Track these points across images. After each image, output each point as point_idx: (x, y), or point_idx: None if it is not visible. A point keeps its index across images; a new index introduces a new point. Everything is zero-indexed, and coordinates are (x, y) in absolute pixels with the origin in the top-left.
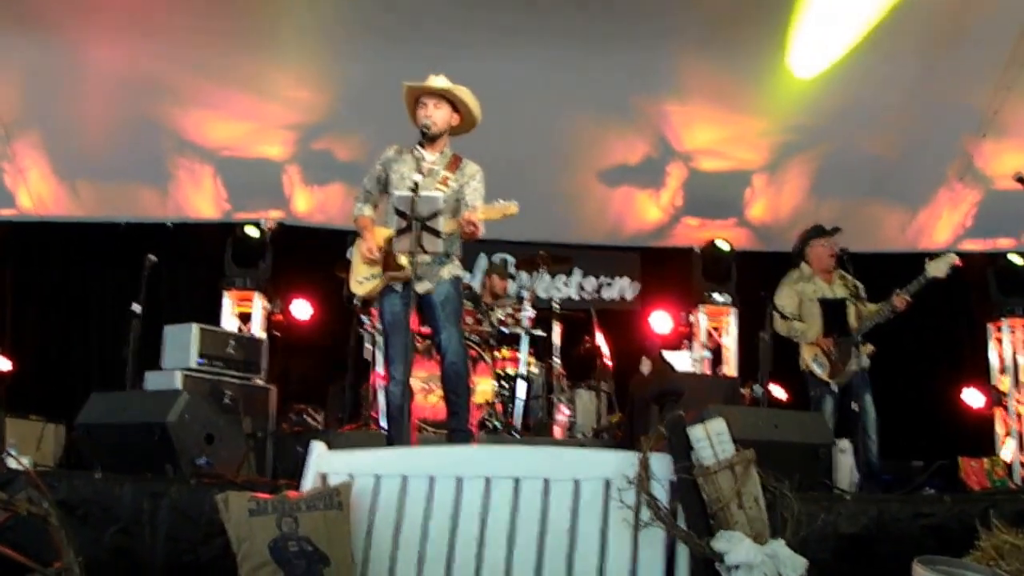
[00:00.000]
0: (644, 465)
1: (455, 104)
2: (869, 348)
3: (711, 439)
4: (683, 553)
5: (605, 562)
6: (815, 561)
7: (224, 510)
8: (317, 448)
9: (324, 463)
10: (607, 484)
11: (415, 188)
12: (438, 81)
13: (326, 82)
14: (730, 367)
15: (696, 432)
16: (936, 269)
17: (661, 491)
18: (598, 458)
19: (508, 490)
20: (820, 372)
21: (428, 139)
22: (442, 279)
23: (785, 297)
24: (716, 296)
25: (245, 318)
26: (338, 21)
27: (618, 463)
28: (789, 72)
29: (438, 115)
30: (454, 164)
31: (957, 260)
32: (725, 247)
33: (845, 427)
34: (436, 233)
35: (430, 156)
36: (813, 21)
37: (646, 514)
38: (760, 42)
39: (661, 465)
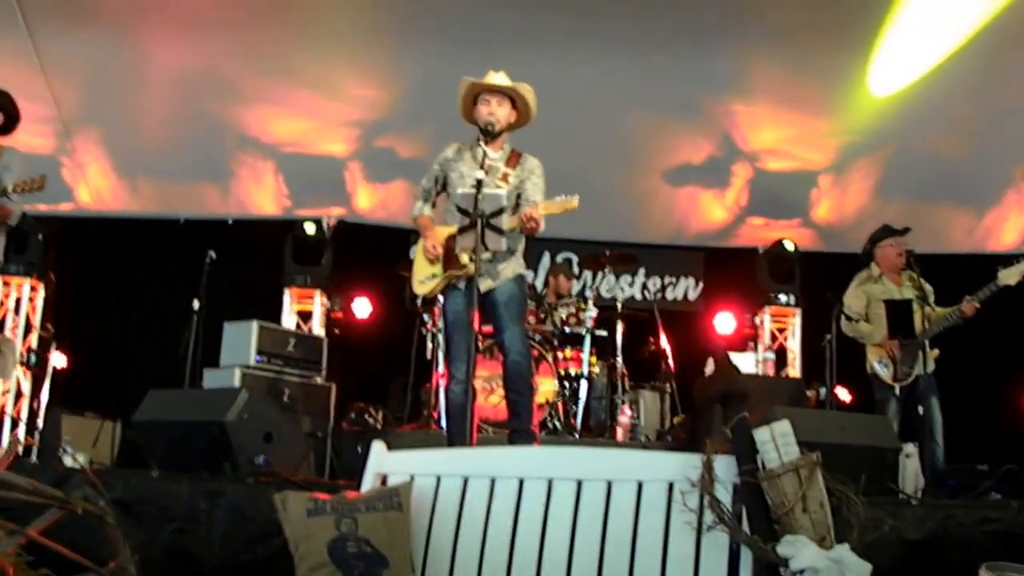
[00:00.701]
0: (708, 467)
1: (514, 101)
2: (934, 352)
3: (776, 441)
4: (746, 557)
5: (667, 565)
6: (880, 567)
7: (282, 510)
8: (377, 448)
9: (384, 463)
10: (670, 487)
11: (478, 185)
12: (499, 78)
13: (388, 80)
14: (795, 369)
15: (761, 434)
16: (1008, 277)
17: (724, 494)
18: (661, 460)
19: (570, 492)
20: (884, 374)
21: (490, 136)
22: (506, 277)
23: (853, 297)
24: (781, 297)
25: (305, 316)
26: (400, 19)
27: (681, 465)
28: (863, 84)
29: (501, 112)
30: (514, 160)
31: None
32: (791, 247)
33: (910, 431)
34: (499, 231)
35: (492, 153)
36: (899, 40)
37: (709, 517)
38: (836, 49)
39: (725, 467)
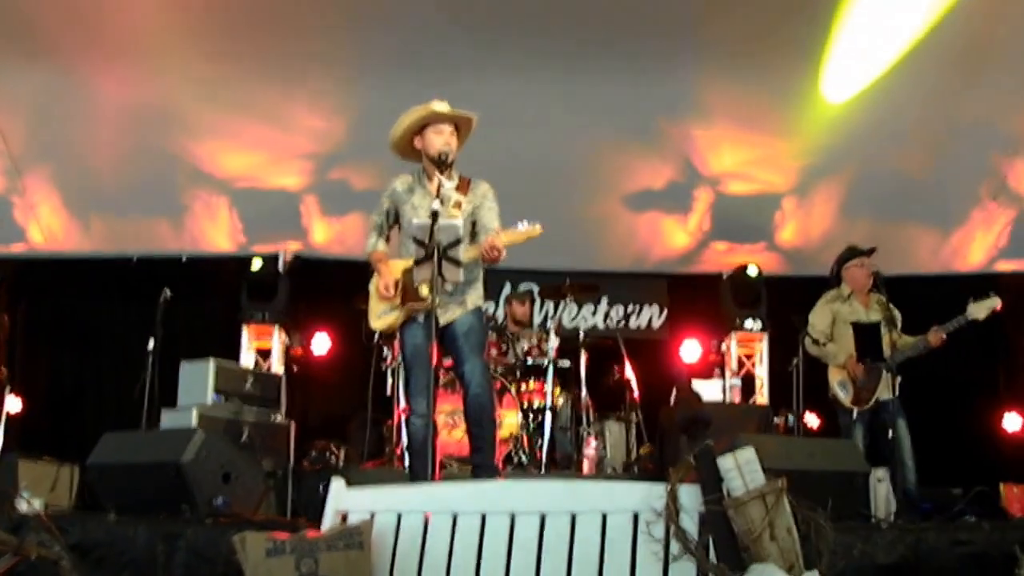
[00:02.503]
0: (672, 497)
1: (458, 129)
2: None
3: (740, 469)
4: None
5: None
6: None
7: (241, 551)
8: (336, 486)
9: (344, 501)
10: (635, 517)
11: (434, 216)
12: (443, 107)
13: (340, 110)
14: (763, 395)
15: (725, 462)
16: (977, 311)
17: (690, 523)
18: (625, 491)
19: (534, 526)
20: (843, 397)
21: (445, 165)
22: (465, 309)
23: (818, 316)
24: (747, 323)
25: (264, 353)
26: (348, 49)
27: (645, 495)
28: (818, 95)
29: (453, 140)
30: (464, 186)
31: (999, 305)
32: (754, 272)
33: (879, 455)
34: (456, 262)
35: (448, 183)
36: (848, 46)
37: (675, 547)
38: (789, 64)
39: (690, 496)
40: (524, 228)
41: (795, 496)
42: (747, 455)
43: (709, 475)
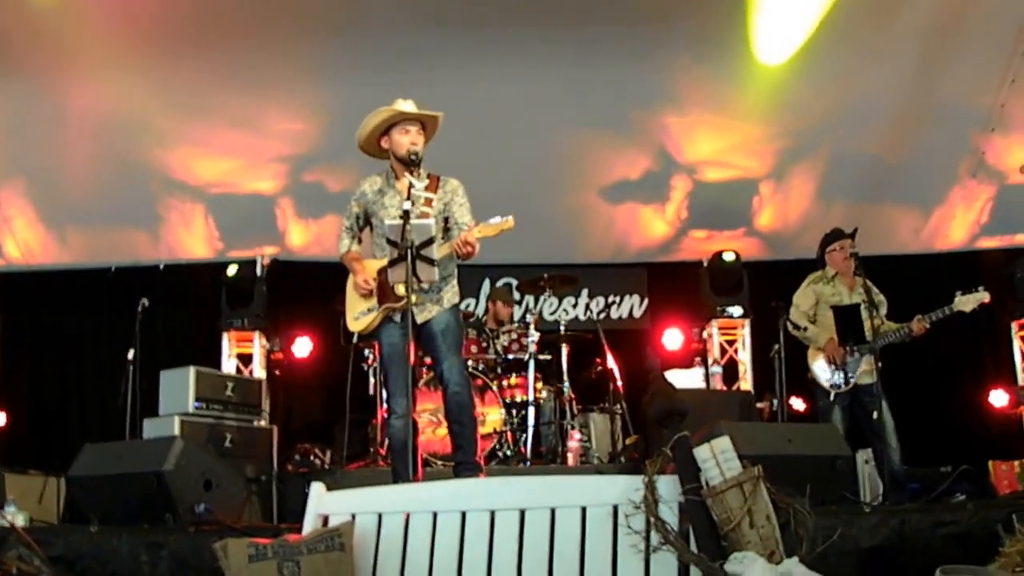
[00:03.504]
0: (650, 488)
1: (424, 127)
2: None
3: (717, 458)
4: None
5: None
6: None
7: (223, 557)
8: (316, 489)
9: (324, 504)
10: (615, 510)
11: (405, 216)
12: (408, 106)
13: (311, 112)
14: (746, 381)
15: (701, 452)
16: (964, 304)
17: (670, 514)
18: (604, 484)
19: (514, 522)
20: (822, 379)
21: (414, 165)
22: (441, 307)
23: (802, 296)
24: (728, 309)
25: (246, 359)
26: (323, 50)
27: (624, 488)
28: (771, 71)
29: (420, 139)
30: (433, 184)
31: (987, 299)
32: (730, 258)
33: (862, 437)
34: (431, 261)
35: (418, 182)
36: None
37: (656, 538)
38: (729, 38)
39: (668, 487)
40: (497, 222)
41: (776, 482)
42: (723, 444)
43: (686, 465)
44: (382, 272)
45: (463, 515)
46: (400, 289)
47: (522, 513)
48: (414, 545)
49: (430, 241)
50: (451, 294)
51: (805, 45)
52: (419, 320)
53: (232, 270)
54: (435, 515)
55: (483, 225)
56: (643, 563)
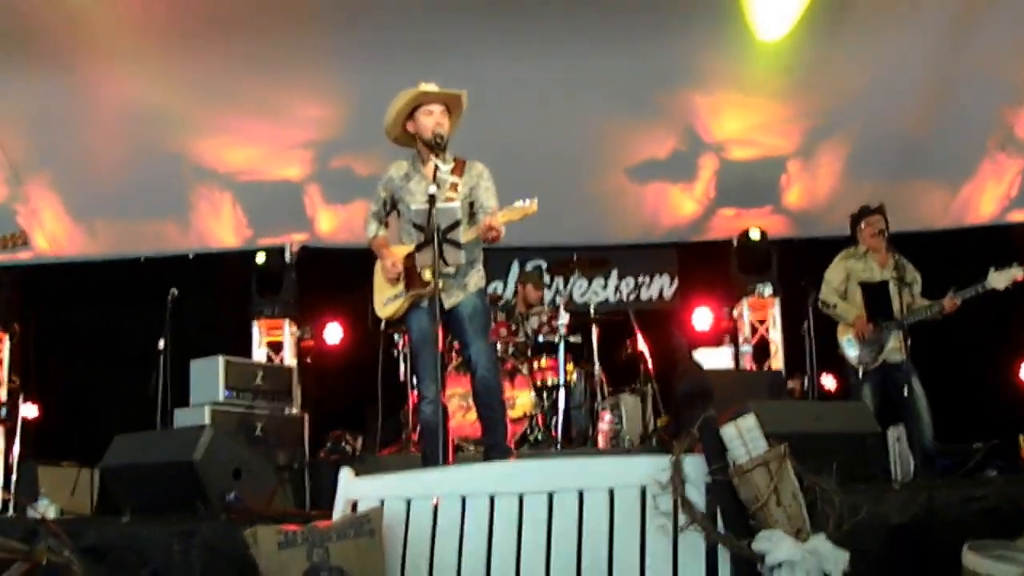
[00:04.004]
0: (677, 469)
1: (449, 109)
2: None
3: (743, 437)
4: (724, 556)
5: (645, 570)
6: (866, 554)
7: (253, 544)
8: (345, 475)
9: (353, 490)
10: (643, 491)
11: (431, 200)
12: (433, 87)
13: (336, 97)
14: (777, 360)
15: (727, 431)
16: (997, 280)
17: (697, 494)
18: (631, 465)
19: (542, 505)
20: (851, 356)
21: (440, 148)
22: (469, 291)
23: (834, 271)
24: (758, 288)
25: (276, 347)
26: (347, 35)
27: (652, 468)
28: (796, 48)
29: (445, 121)
30: (459, 168)
31: (1021, 276)
32: (756, 235)
33: (894, 413)
34: (457, 245)
35: (444, 166)
36: None
37: (683, 518)
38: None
39: (695, 467)
40: (520, 206)
41: (805, 460)
42: (749, 423)
43: (712, 445)
44: (409, 258)
45: (491, 499)
46: (427, 274)
47: (550, 496)
48: (443, 529)
49: (456, 225)
50: (477, 278)
51: (801, 17)
52: (446, 305)
53: (261, 258)
54: (464, 499)
55: (507, 209)
56: (671, 544)
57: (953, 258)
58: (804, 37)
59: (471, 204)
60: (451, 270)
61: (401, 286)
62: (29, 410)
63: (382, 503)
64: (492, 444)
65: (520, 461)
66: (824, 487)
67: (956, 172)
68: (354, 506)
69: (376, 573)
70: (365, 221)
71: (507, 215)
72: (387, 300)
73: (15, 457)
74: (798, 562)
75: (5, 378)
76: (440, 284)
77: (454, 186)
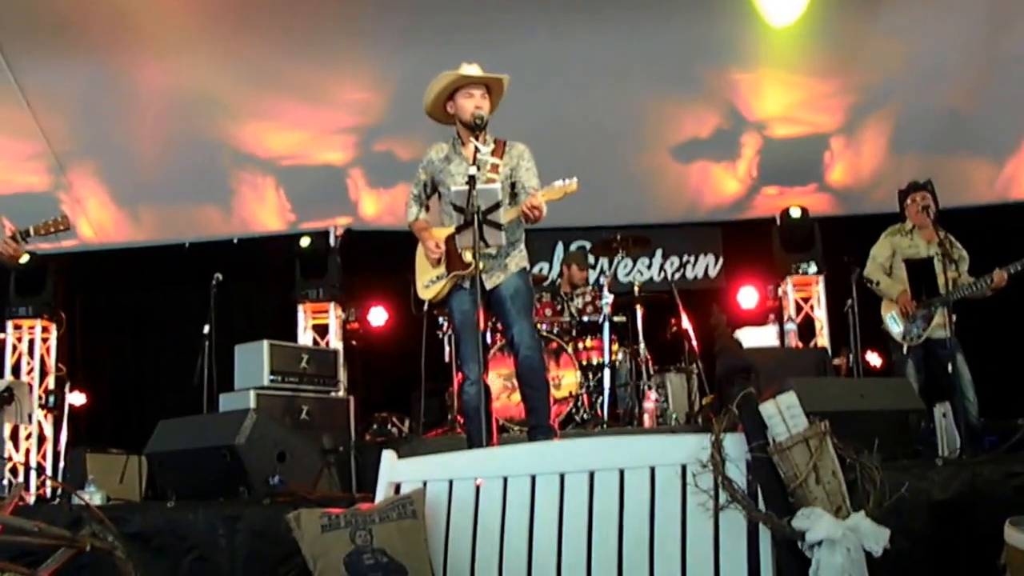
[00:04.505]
0: (717, 447)
1: (489, 91)
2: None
3: (783, 414)
4: (765, 534)
5: (687, 548)
6: (908, 531)
7: (296, 528)
8: (387, 457)
9: (396, 472)
10: (683, 469)
11: (471, 182)
12: (474, 69)
13: (378, 81)
14: (823, 337)
15: (767, 408)
16: None
17: (737, 472)
18: (672, 444)
19: (583, 484)
20: (895, 332)
21: (479, 129)
22: (510, 272)
23: (880, 247)
24: (802, 266)
25: (322, 330)
26: (389, 18)
27: (692, 447)
28: (839, 25)
29: (485, 104)
30: (500, 149)
31: None
32: (797, 214)
33: (939, 390)
34: (498, 226)
35: (484, 147)
36: None
37: (723, 497)
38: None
39: (735, 445)
40: (560, 185)
41: (847, 438)
42: (789, 400)
43: (752, 423)
44: (450, 240)
45: (532, 479)
46: (468, 256)
47: (591, 475)
48: (485, 510)
49: (497, 206)
50: (519, 259)
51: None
52: (488, 286)
53: (306, 241)
54: (505, 480)
55: (547, 189)
56: (712, 522)
57: (998, 233)
58: (844, 13)
59: (512, 185)
60: (492, 251)
61: (442, 268)
62: (76, 398)
63: (424, 485)
64: (536, 425)
65: (562, 441)
66: (865, 464)
67: (1001, 147)
68: (397, 488)
69: (419, 555)
70: (406, 204)
71: (548, 194)
72: (428, 282)
73: (63, 445)
74: (838, 540)
75: (52, 366)
76: (481, 265)
77: (495, 167)
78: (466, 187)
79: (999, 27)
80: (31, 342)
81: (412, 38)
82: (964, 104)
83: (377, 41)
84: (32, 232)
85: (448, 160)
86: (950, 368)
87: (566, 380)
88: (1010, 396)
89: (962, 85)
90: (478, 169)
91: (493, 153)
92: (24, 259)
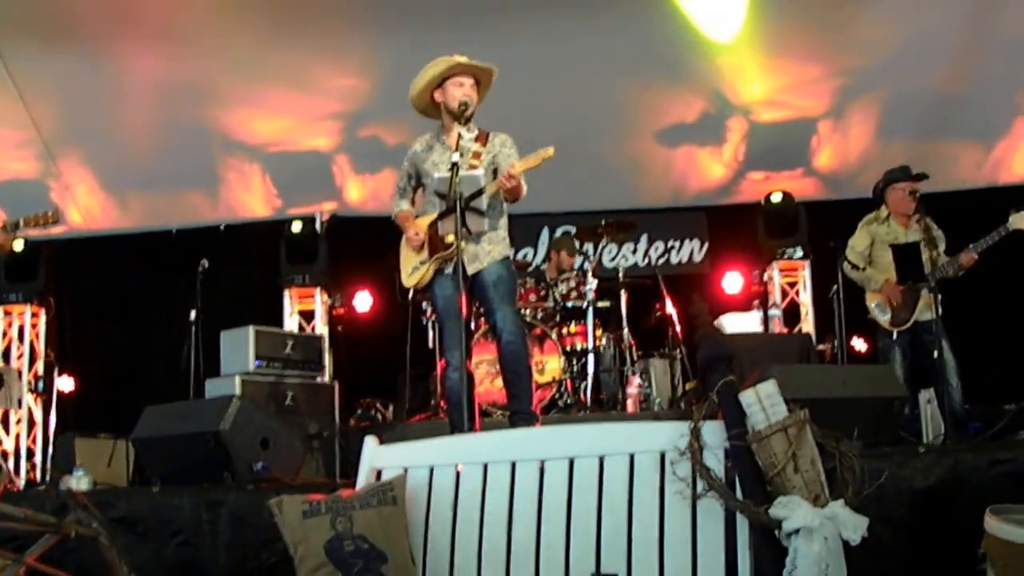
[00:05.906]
0: (696, 435)
1: (477, 82)
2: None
3: (762, 403)
4: (742, 522)
5: (664, 535)
6: (889, 518)
7: (278, 514)
8: (369, 443)
9: (377, 458)
10: (662, 456)
11: (454, 168)
12: (464, 59)
13: (366, 68)
14: (808, 323)
15: (746, 397)
16: (1019, 221)
17: (715, 460)
18: (651, 431)
19: (563, 471)
20: (882, 320)
21: (464, 118)
22: (492, 259)
23: (858, 238)
24: (787, 251)
25: (308, 315)
26: (374, 4)
27: (671, 434)
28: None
29: (474, 93)
30: (482, 139)
31: None
32: (778, 198)
33: (924, 377)
34: (480, 212)
35: (467, 134)
36: None
37: (702, 485)
38: None
39: (714, 433)
40: (536, 153)
41: (830, 425)
42: (768, 388)
43: (731, 411)
44: (432, 226)
45: (512, 465)
46: (450, 238)
47: (571, 462)
48: (465, 496)
49: (479, 193)
50: (502, 245)
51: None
52: (470, 271)
53: (297, 226)
54: (485, 466)
55: (524, 159)
56: (690, 510)
57: (986, 217)
58: None
59: (495, 172)
60: (474, 237)
61: (425, 253)
62: (65, 383)
63: (405, 471)
64: (517, 410)
65: (541, 428)
66: (844, 452)
67: (989, 130)
68: (378, 474)
69: (400, 541)
70: (392, 197)
71: (526, 163)
72: (412, 269)
73: (51, 429)
74: (816, 528)
75: (41, 352)
76: (463, 247)
77: (477, 155)
78: (448, 174)
79: (988, 8)
80: (21, 328)
81: (398, 25)
82: (953, 87)
83: (363, 28)
84: (22, 224)
85: (431, 149)
86: (935, 354)
87: (550, 365)
88: (995, 381)
89: (951, 67)
90: (461, 156)
91: (476, 141)
92: (19, 246)
